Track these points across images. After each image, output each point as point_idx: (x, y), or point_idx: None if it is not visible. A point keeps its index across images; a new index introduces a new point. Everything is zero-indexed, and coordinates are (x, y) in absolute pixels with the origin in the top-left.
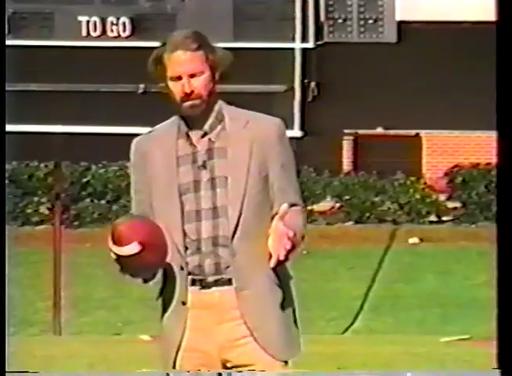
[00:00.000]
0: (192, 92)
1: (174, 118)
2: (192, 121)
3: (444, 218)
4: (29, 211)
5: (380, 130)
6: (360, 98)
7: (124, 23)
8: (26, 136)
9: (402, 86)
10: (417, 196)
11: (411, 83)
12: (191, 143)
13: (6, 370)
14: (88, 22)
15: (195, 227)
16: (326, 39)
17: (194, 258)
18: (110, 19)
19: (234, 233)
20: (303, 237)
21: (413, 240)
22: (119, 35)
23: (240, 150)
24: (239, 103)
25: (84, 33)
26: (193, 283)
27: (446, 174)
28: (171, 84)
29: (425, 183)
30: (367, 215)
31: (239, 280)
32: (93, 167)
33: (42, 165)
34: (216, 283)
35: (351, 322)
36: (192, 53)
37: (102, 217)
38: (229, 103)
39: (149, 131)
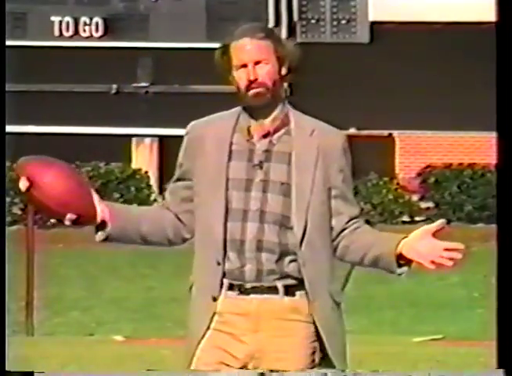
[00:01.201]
0: (256, 79)
1: (235, 110)
2: (256, 117)
3: (417, 219)
4: None
5: (353, 130)
6: (333, 98)
7: (96, 23)
8: None
9: (375, 86)
10: (390, 196)
11: (384, 83)
12: (249, 140)
13: (6, 369)
14: (60, 22)
15: (240, 227)
16: (298, 39)
17: (234, 259)
18: (83, 19)
19: (301, 242)
20: None
21: None
22: (92, 35)
23: (306, 158)
24: (209, 102)
25: (56, 33)
26: (231, 287)
27: (419, 174)
28: (236, 74)
29: (398, 184)
30: None
31: (311, 290)
32: None
33: (15, 165)
34: (255, 290)
35: None
36: (258, 41)
37: None
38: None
39: (205, 119)
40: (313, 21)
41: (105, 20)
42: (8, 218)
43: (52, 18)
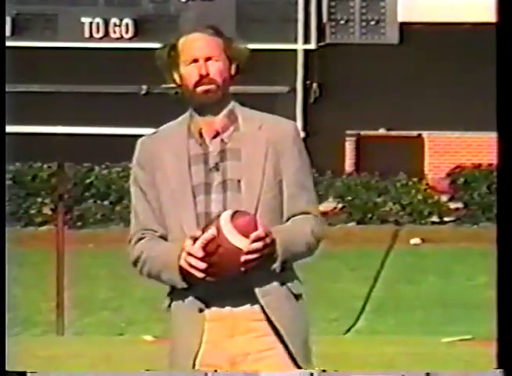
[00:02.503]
0: (208, 74)
1: (183, 118)
2: (204, 118)
3: (446, 219)
4: (32, 211)
5: (382, 131)
6: (362, 99)
7: (126, 25)
8: (29, 137)
9: (404, 87)
10: (419, 196)
11: (413, 84)
12: (202, 143)
13: (6, 369)
14: (91, 23)
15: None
16: (328, 40)
17: None
18: (113, 20)
19: None
20: (318, 243)
21: (415, 240)
22: (122, 37)
23: (255, 152)
24: (241, 103)
25: (87, 34)
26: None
27: (448, 175)
28: (185, 70)
29: (427, 184)
30: (369, 215)
31: (261, 286)
32: (96, 168)
33: (45, 166)
34: (226, 303)
35: (353, 322)
36: (209, 37)
37: (105, 218)
38: (242, 104)
39: (155, 132)
40: (342, 22)
41: (135, 21)
42: (38, 219)
43: (83, 19)
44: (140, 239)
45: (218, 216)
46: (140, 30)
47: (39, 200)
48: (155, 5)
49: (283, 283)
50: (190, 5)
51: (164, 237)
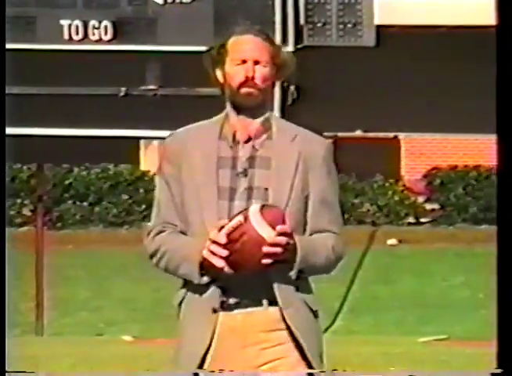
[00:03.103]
0: (253, 78)
1: (218, 118)
2: (241, 119)
3: (422, 220)
4: (12, 212)
5: (359, 133)
6: (339, 101)
7: (105, 27)
8: (8, 139)
9: (381, 89)
10: (396, 198)
11: (390, 86)
12: (232, 146)
13: (6, 370)
14: (70, 25)
15: None
16: (305, 43)
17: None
18: (92, 22)
19: None
20: (337, 261)
21: (392, 241)
22: (101, 39)
23: (286, 164)
24: (216, 104)
25: (66, 36)
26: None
27: (425, 176)
28: (231, 69)
29: (404, 185)
30: (346, 216)
31: (284, 298)
32: (75, 169)
33: (25, 168)
34: (238, 305)
35: (330, 323)
36: (261, 41)
37: (85, 219)
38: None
39: (187, 128)
40: (319, 25)
41: (114, 24)
42: (18, 220)
43: (62, 22)
44: (160, 232)
45: (247, 207)
46: (119, 32)
47: (18, 201)
48: (133, 7)
49: (300, 294)
50: (168, 8)
51: (183, 233)
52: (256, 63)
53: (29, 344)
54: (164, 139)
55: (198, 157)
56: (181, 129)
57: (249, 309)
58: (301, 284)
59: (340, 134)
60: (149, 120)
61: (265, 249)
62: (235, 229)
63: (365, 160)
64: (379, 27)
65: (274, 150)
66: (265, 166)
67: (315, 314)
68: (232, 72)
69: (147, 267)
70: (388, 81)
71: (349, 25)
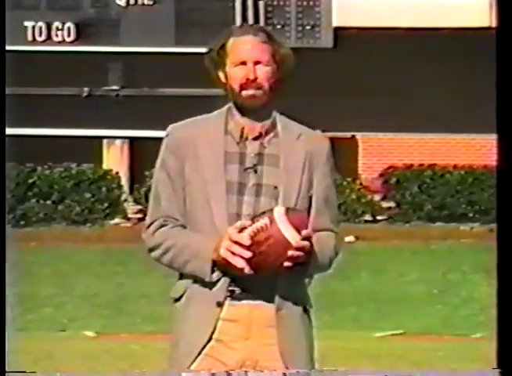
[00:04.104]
0: (256, 79)
1: (220, 112)
2: (246, 119)
3: (378, 218)
4: None
5: (317, 132)
6: (298, 101)
7: (68, 29)
8: None
9: (338, 90)
10: (353, 196)
11: (347, 87)
12: (239, 142)
13: (6, 370)
14: (33, 27)
15: None
16: None
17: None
18: (56, 24)
19: None
20: (331, 261)
21: (349, 238)
22: (64, 40)
23: (294, 162)
24: (178, 105)
25: (30, 38)
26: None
27: (381, 175)
28: (231, 70)
29: (361, 184)
30: None
31: (279, 298)
32: (39, 168)
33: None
34: (247, 296)
35: None
36: (261, 41)
37: (48, 217)
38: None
39: (190, 121)
40: (279, 26)
41: (77, 25)
42: None
43: (26, 23)
44: (162, 226)
45: (271, 210)
46: (82, 33)
47: None
48: (96, 9)
49: (299, 295)
50: (130, 10)
51: (184, 227)
52: (257, 63)
53: None
54: (125, 138)
55: (204, 152)
56: (182, 122)
57: (258, 302)
58: (301, 282)
59: None
60: (112, 120)
61: (291, 253)
62: (259, 231)
63: None
64: (337, 29)
65: (281, 147)
66: (274, 164)
67: (308, 313)
68: (233, 74)
69: (109, 263)
70: (346, 82)
71: (308, 27)
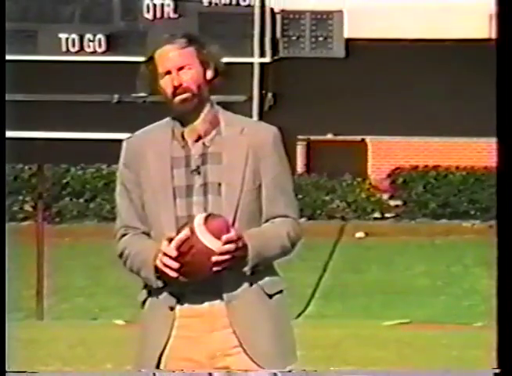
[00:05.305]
0: (181, 85)
1: (168, 119)
2: (186, 123)
3: (387, 215)
4: (15, 208)
5: (329, 136)
6: (312, 107)
7: (99, 40)
8: (11, 142)
9: (349, 96)
10: (363, 195)
11: (358, 93)
12: (184, 146)
13: (6, 370)
14: (67, 39)
15: None
16: (281, 54)
17: None
18: (88, 36)
19: None
20: (294, 245)
21: (359, 234)
22: (95, 51)
23: (236, 156)
24: None
25: (64, 48)
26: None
27: (389, 175)
28: (162, 81)
29: (370, 184)
30: (318, 212)
31: (229, 291)
32: (72, 169)
33: (26, 168)
34: (197, 296)
35: (303, 308)
36: (180, 47)
37: (81, 214)
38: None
39: (142, 131)
40: (294, 38)
41: (107, 37)
42: (20, 215)
43: (60, 35)
44: (123, 235)
45: (192, 220)
46: (112, 44)
47: (20, 198)
48: (126, 22)
49: (253, 284)
50: (157, 23)
51: (146, 234)
52: (180, 69)
53: (30, 327)
54: None
55: (152, 159)
56: (136, 133)
57: (209, 298)
58: (256, 273)
59: (312, 137)
60: (139, 124)
61: (214, 259)
62: (183, 242)
63: (336, 161)
64: (348, 41)
65: (224, 144)
66: (217, 161)
67: (270, 297)
68: (163, 84)
69: None
70: (356, 89)
71: (321, 38)
